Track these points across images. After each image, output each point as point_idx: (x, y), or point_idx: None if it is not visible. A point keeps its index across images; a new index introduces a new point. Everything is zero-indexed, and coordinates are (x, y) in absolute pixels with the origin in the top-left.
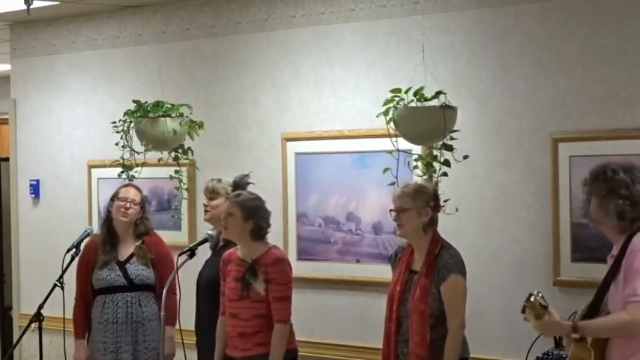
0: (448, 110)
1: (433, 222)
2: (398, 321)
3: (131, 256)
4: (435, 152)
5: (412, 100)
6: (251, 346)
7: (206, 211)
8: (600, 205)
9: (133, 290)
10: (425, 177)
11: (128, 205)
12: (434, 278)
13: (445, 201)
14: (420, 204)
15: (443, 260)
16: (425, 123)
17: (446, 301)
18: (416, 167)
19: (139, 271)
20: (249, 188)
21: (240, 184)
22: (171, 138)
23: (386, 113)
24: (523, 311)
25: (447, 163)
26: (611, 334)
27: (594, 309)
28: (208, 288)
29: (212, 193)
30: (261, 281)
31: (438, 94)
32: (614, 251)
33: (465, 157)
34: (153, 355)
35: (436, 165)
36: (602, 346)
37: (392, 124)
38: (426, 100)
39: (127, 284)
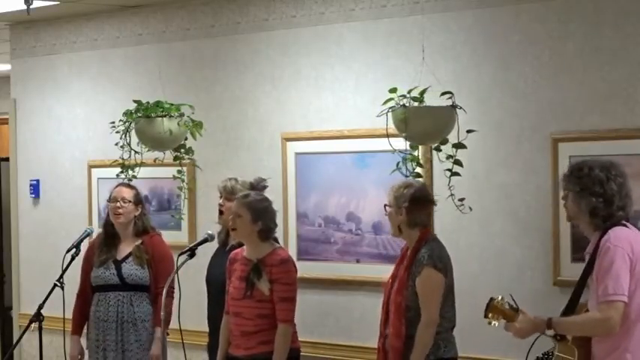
0: (457, 110)
1: (413, 222)
2: (386, 315)
3: (128, 255)
4: (450, 152)
5: (407, 99)
6: (254, 345)
7: (221, 211)
8: (574, 200)
9: (125, 290)
10: (410, 177)
11: (119, 204)
12: (412, 272)
13: (461, 200)
14: (397, 203)
15: (420, 254)
16: (436, 122)
17: (419, 294)
18: (400, 168)
19: (132, 270)
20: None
21: (257, 188)
22: (168, 138)
23: (401, 115)
24: (485, 316)
25: (458, 162)
26: (584, 331)
27: (572, 306)
28: (221, 288)
29: (230, 194)
30: (265, 281)
31: (449, 94)
32: (589, 248)
33: (449, 157)
34: (146, 355)
35: (446, 163)
36: (587, 344)
37: (392, 124)
38: (420, 100)
39: (120, 283)
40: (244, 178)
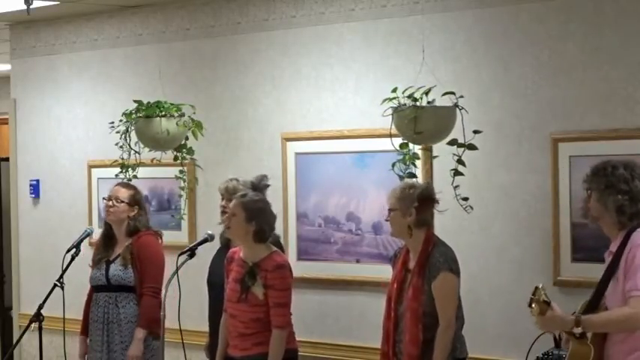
0: (460, 110)
1: (422, 222)
2: (396, 320)
3: (118, 256)
4: (455, 152)
5: (411, 99)
6: (249, 346)
7: (223, 212)
8: (599, 199)
9: (111, 290)
10: (404, 177)
11: (111, 203)
12: (426, 277)
13: (465, 199)
14: (405, 205)
15: (434, 259)
16: (443, 122)
17: (436, 298)
18: (402, 170)
19: (116, 271)
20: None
21: (258, 186)
22: (165, 138)
23: (410, 115)
24: (530, 305)
25: (461, 162)
26: (614, 328)
27: (593, 305)
28: (222, 290)
29: (232, 195)
30: (259, 285)
31: (453, 94)
32: (613, 247)
33: (434, 157)
34: None
35: (443, 163)
36: (601, 343)
37: (393, 124)
38: (415, 99)
39: (106, 284)
40: (245, 178)
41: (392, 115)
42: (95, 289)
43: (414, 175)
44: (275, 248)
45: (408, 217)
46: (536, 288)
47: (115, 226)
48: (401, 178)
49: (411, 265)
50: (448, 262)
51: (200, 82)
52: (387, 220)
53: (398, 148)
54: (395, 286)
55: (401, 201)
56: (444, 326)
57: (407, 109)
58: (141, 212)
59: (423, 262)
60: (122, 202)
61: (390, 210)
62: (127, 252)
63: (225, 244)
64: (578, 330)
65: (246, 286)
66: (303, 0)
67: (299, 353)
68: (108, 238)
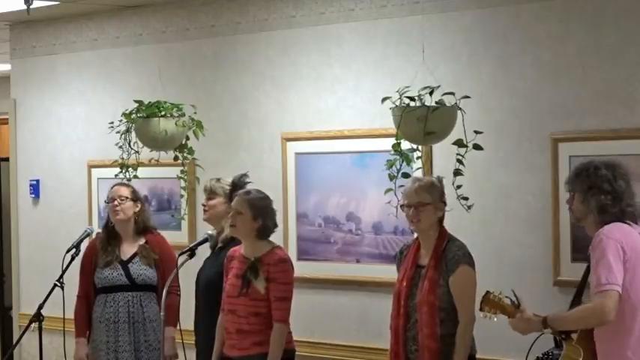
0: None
1: (444, 216)
2: (406, 316)
3: (134, 255)
4: (454, 152)
5: (415, 101)
6: (249, 346)
7: (205, 210)
8: (583, 201)
9: (134, 290)
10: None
11: (117, 202)
12: (442, 271)
13: (465, 198)
14: (435, 199)
15: (451, 253)
16: (448, 123)
17: (455, 293)
18: (391, 166)
19: (141, 270)
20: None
21: (238, 184)
22: (163, 138)
23: (422, 115)
24: (481, 309)
25: (460, 161)
26: (581, 324)
27: (575, 303)
28: (208, 288)
29: (210, 193)
30: (261, 280)
31: (452, 94)
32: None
33: (419, 157)
34: (154, 355)
35: (445, 162)
36: (592, 344)
37: (392, 124)
38: (412, 100)
39: (129, 284)
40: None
41: (400, 115)
42: (106, 289)
43: (408, 175)
44: (277, 243)
45: (439, 212)
46: (487, 292)
47: (122, 225)
48: (391, 178)
49: (423, 261)
50: (466, 256)
51: (200, 82)
52: (412, 216)
53: (392, 149)
54: (405, 283)
55: (432, 195)
56: (466, 321)
57: (418, 109)
58: (143, 208)
59: (439, 255)
60: (126, 198)
61: (420, 205)
62: (149, 251)
63: (212, 246)
64: (546, 331)
65: (247, 280)
66: (303, 0)
67: (298, 353)
68: (112, 239)
